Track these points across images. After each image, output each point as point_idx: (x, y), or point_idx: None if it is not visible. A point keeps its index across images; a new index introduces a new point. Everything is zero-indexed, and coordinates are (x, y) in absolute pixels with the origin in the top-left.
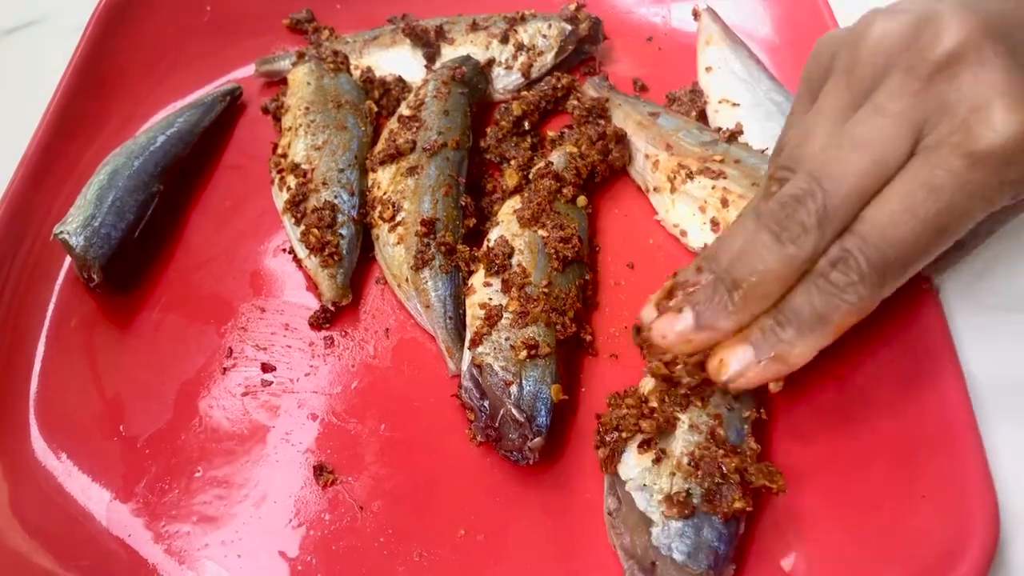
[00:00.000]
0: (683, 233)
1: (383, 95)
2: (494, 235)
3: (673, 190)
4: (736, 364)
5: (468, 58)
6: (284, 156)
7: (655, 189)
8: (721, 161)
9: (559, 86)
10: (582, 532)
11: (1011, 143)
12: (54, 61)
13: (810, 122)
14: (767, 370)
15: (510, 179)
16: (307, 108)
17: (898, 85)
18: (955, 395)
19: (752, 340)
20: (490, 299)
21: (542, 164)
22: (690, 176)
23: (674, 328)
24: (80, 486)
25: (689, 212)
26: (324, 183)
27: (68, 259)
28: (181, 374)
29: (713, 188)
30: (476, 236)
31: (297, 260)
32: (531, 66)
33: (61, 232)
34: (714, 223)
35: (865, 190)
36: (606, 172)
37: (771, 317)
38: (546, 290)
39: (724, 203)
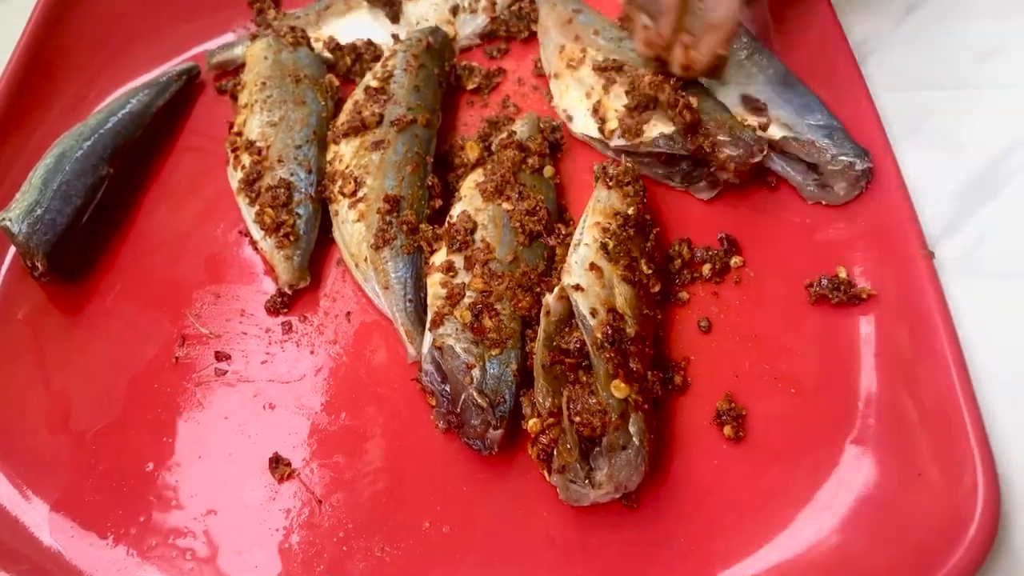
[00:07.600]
0: (569, 118)
1: (355, 61)
2: (456, 210)
3: (567, 74)
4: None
5: (437, 29)
6: (239, 134)
7: (555, 75)
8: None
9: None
10: (554, 521)
11: None
12: (2, 40)
13: None
14: (705, 54)
15: (471, 151)
16: (263, 84)
17: None
18: (953, 367)
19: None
20: (452, 277)
21: (505, 134)
22: (582, 62)
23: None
24: (23, 482)
25: (577, 98)
26: (279, 160)
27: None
28: (132, 365)
29: (602, 74)
30: (441, 218)
31: (253, 243)
32: (495, 3)
33: (3, 220)
34: (595, 110)
35: None
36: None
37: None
38: (511, 266)
39: (607, 89)
